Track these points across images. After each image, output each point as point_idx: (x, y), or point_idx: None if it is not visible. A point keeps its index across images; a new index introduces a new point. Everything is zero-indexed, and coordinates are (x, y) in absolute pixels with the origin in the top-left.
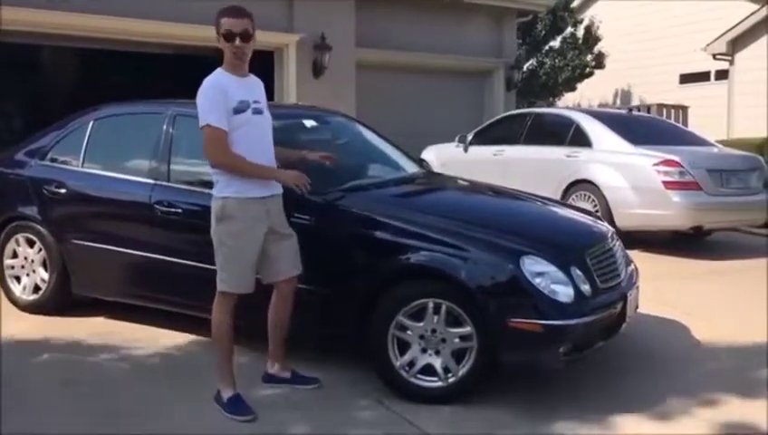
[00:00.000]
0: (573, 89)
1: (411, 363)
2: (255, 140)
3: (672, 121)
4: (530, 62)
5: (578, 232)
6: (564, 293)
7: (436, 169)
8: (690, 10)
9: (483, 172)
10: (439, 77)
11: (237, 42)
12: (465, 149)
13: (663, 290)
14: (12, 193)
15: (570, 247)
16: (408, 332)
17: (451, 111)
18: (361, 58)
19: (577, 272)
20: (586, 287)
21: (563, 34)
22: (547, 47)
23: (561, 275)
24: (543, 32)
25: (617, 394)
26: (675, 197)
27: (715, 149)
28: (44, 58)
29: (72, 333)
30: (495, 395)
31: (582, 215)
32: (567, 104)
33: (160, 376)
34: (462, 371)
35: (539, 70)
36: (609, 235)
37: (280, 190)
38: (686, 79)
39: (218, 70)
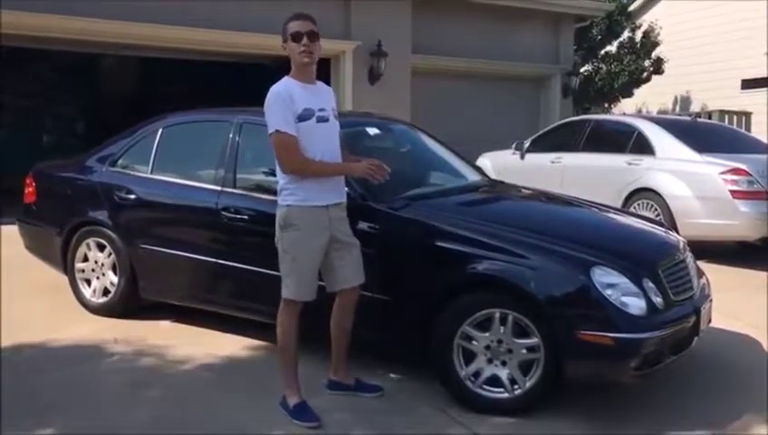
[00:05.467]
0: (630, 95)
1: (477, 374)
2: (319, 147)
3: (737, 128)
4: (585, 67)
5: (650, 243)
6: (636, 305)
7: (492, 176)
8: (753, 14)
9: (540, 180)
10: (494, 83)
11: (305, 40)
12: (522, 157)
13: (729, 302)
14: (83, 198)
15: (641, 259)
16: (474, 342)
17: (506, 117)
18: (417, 64)
19: (649, 284)
20: (658, 300)
21: (620, 39)
22: (603, 52)
23: (632, 286)
24: (599, 36)
25: (687, 411)
26: (742, 206)
27: None
28: (107, 66)
29: (140, 335)
30: (562, 408)
31: (652, 225)
32: (624, 111)
33: (226, 380)
34: (529, 382)
35: (594, 75)
36: (681, 246)
37: (343, 198)
38: (749, 84)
39: (285, 78)
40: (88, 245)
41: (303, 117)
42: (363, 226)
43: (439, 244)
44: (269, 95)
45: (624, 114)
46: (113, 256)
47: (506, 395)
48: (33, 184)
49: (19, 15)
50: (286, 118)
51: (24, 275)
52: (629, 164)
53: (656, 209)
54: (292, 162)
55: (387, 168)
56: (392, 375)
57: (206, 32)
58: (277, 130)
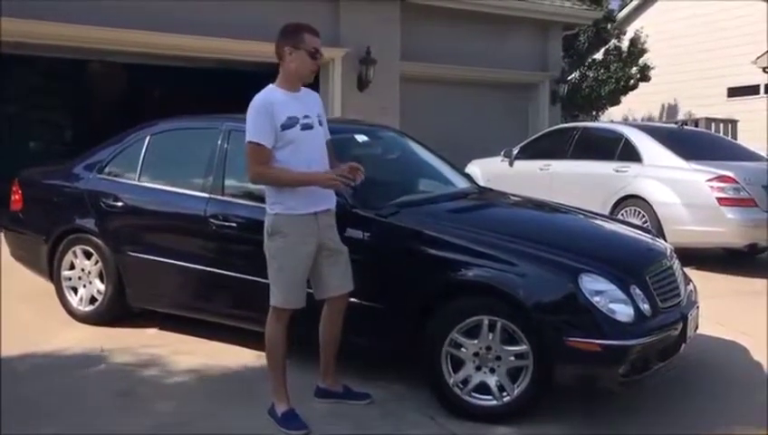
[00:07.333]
0: (617, 102)
1: (465, 381)
2: (305, 155)
3: (723, 136)
4: (573, 74)
5: (637, 250)
6: (624, 312)
7: (481, 183)
8: (739, 23)
9: (528, 187)
10: (483, 90)
11: (318, 59)
12: (511, 164)
13: (717, 309)
14: (70, 206)
15: (629, 265)
16: (463, 349)
17: (495, 124)
18: (406, 71)
19: (636, 291)
20: (646, 307)
21: (607, 46)
22: (590, 60)
23: (620, 293)
24: (586, 44)
25: (677, 418)
26: (729, 213)
27: None
28: (95, 71)
29: (127, 343)
30: (550, 415)
31: (640, 232)
32: (611, 118)
33: (214, 388)
34: (517, 389)
35: (581, 83)
36: (669, 252)
37: (332, 206)
38: (735, 92)
39: (270, 86)
40: (74, 252)
41: (287, 125)
42: (351, 233)
43: (428, 251)
44: (250, 105)
45: (612, 121)
46: (100, 263)
47: (495, 402)
48: (20, 191)
49: (11, 22)
50: (262, 128)
51: (11, 282)
52: (617, 171)
53: (643, 216)
54: (256, 172)
55: (346, 177)
56: (381, 382)
57: (195, 38)
58: (249, 141)
